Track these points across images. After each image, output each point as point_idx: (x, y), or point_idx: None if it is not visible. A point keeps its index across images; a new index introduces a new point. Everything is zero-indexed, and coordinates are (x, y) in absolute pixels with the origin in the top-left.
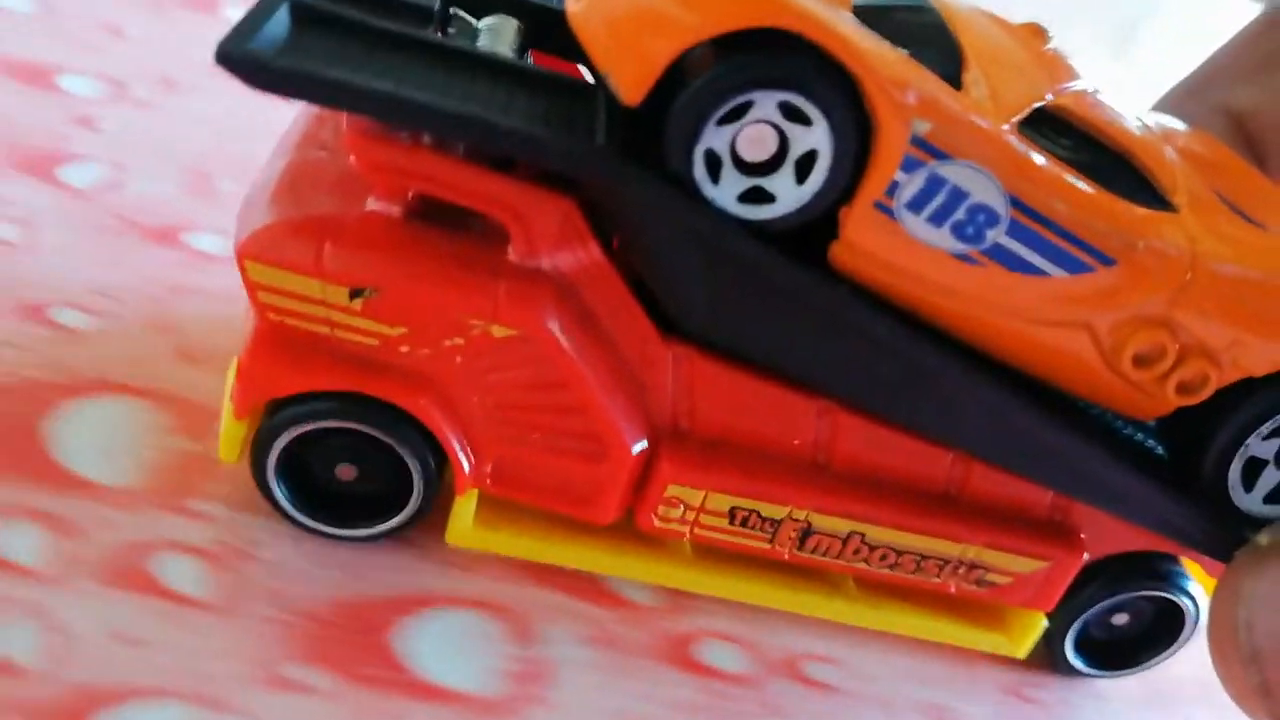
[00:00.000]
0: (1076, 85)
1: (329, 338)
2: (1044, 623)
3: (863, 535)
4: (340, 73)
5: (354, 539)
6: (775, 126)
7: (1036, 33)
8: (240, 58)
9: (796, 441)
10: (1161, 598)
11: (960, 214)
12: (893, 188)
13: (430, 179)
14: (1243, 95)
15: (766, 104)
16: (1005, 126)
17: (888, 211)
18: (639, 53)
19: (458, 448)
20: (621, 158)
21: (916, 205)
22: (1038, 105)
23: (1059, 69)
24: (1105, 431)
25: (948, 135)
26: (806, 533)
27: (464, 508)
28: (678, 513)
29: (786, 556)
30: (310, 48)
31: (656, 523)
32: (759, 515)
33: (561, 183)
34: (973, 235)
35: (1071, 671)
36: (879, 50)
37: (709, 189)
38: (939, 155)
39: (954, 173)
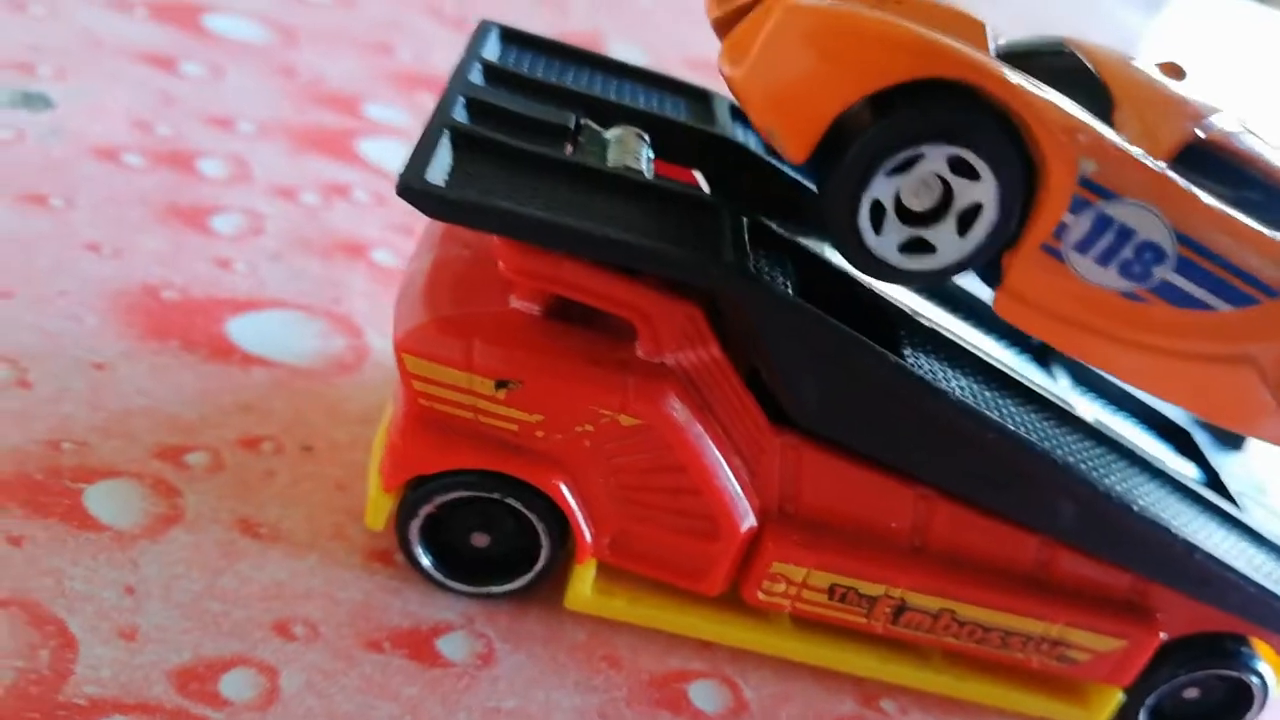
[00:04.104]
0: (1220, 119)
1: (473, 422)
2: (1120, 697)
3: (953, 612)
4: (504, 202)
5: (485, 595)
6: (941, 177)
7: (1175, 69)
8: (421, 192)
9: (894, 524)
10: (1232, 676)
11: (1128, 252)
12: (1060, 229)
13: (569, 284)
14: None
15: (936, 158)
16: (1164, 164)
17: (1055, 253)
18: (804, 110)
19: (581, 522)
20: (747, 273)
21: (1084, 246)
22: (1190, 142)
23: (1201, 104)
24: (1197, 514)
25: (1114, 175)
26: (900, 609)
27: (583, 575)
28: (781, 588)
29: (881, 630)
30: (472, 174)
31: (761, 596)
32: (857, 592)
33: (686, 288)
34: (1140, 273)
35: None
36: (1043, 94)
37: (871, 238)
38: (1106, 195)
39: (1122, 212)
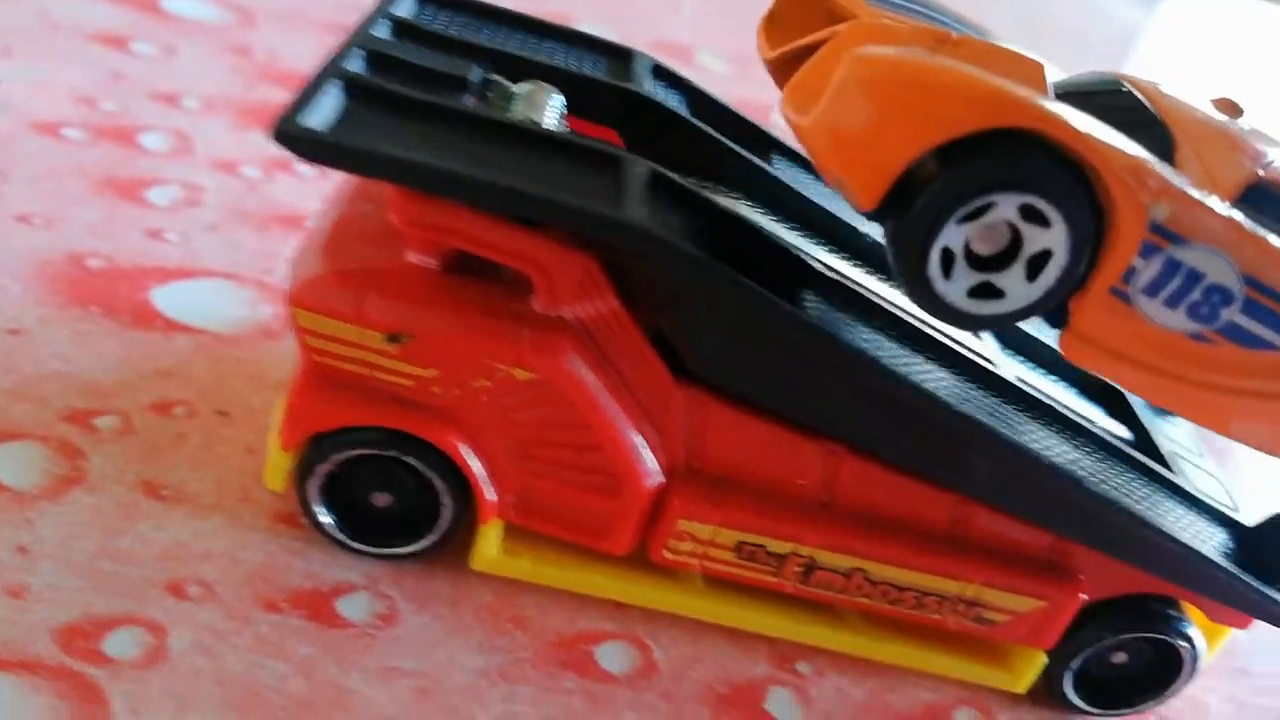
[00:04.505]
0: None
1: (369, 378)
2: (1044, 660)
3: (865, 572)
4: (389, 148)
5: (389, 556)
6: (1010, 223)
7: (1231, 106)
8: (297, 136)
9: (802, 481)
10: (1160, 640)
11: (1196, 295)
12: (1129, 273)
13: (462, 235)
14: None
15: (1008, 206)
16: (1229, 205)
17: (1123, 296)
18: (874, 160)
19: (482, 480)
20: (644, 225)
21: (1153, 289)
22: (1252, 181)
23: (1260, 140)
24: (1124, 475)
25: (1185, 220)
26: (810, 568)
27: (488, 536)
28: (687, 546)
29: (792, 590)
30: (363, 122)
31: (667, 555)
32: (765, 550)
33: (584, 240)
34: (1207, 315)
35: (1071, 708)
36: (1113, 141)
37: (940, 285)
38: (1176, 240)
39: (1191, 256)
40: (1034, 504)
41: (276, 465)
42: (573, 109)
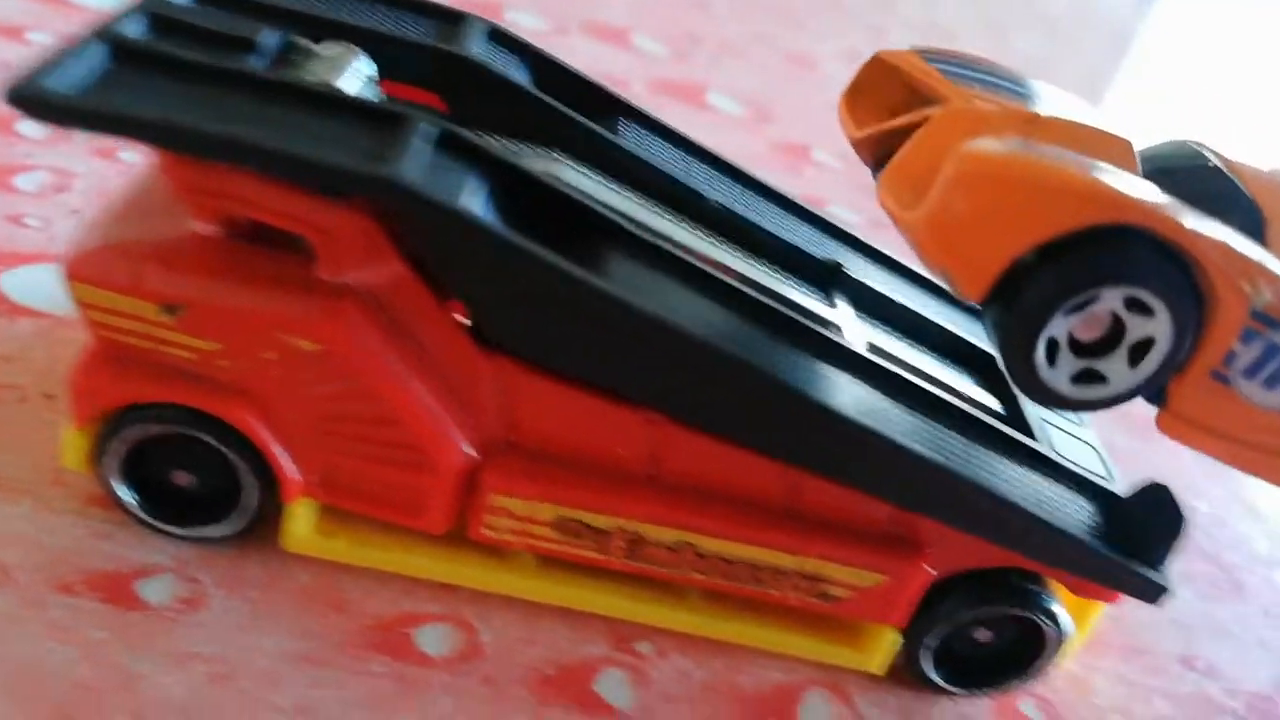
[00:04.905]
0: None
1: (155, 353)
2: (897, 638)
3: (694, 546)
4: (138, 109)
5: (202, 539)
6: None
7: None
8: (34, 98)
9: (623, 453)
10: (1021, 617)
11: None
12: (1229, 357)
13: (236, 199)
14: None
15: (1112, 298)
16: None
17: (1222, 379)
18: (981, 255)
19: (281, 457)
20: (411, 183)
21: (1252, 372)
22: None
23: None
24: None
25: None
26: (636, 542)
27: (296, 514)
28: (505, 522)
29: (620, 566)
30: (124, 84)
31: (487, 532)
32: (585, 525)
33: (368, 203)
34: None
35: (935, 688)
36: (1214, 233)
37: (1045, 372)
38: (1276, 325)
39: None
40: (865, 474)
41: (71, 444)
42: (391, 74)
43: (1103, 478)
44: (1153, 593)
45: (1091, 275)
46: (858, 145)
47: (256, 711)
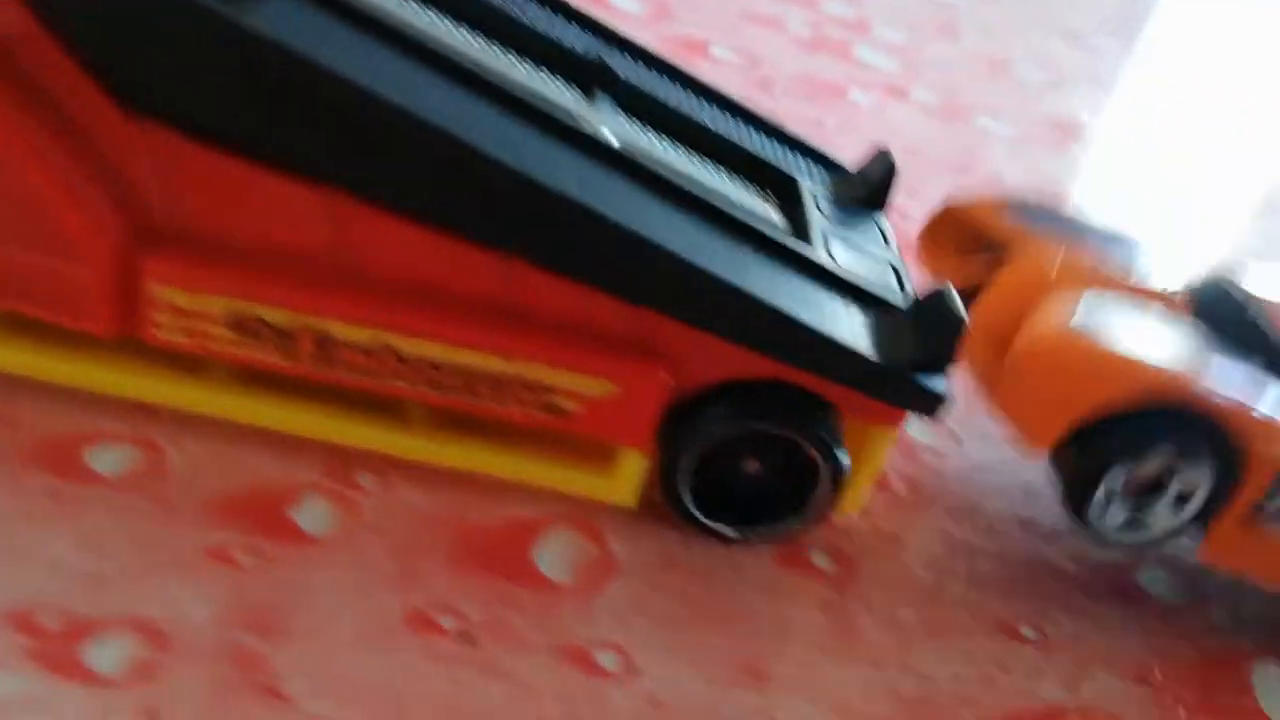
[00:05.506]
0: None
1: None
2: (643, 463)
3: (393, 348)
4: None
5: None
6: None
7: None
8: None
9: (306, 239)
10: (783, 437)
11: None
12: (1260, 505)
13: None
14: None
15: (1161, 456)
16: None
17: (1255, 522)
18: (1049, 419)
19: None
20: None
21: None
22: None
23: None
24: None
25: None
26: (326, 344)
27: None
28: (170, 319)
29: (310, 372)
30: None
31: (156, 332)
32: (264, 322)
33: None
34: None
35: (702, 528)
36: (1248, 409)
37: (1097, 518)
38: None
39: None
40: (585, 262)
41: None
42: None
43: (889, 291)
44: (929, 403)
45: (1142, 442)
46: (934, 273)
47: None
